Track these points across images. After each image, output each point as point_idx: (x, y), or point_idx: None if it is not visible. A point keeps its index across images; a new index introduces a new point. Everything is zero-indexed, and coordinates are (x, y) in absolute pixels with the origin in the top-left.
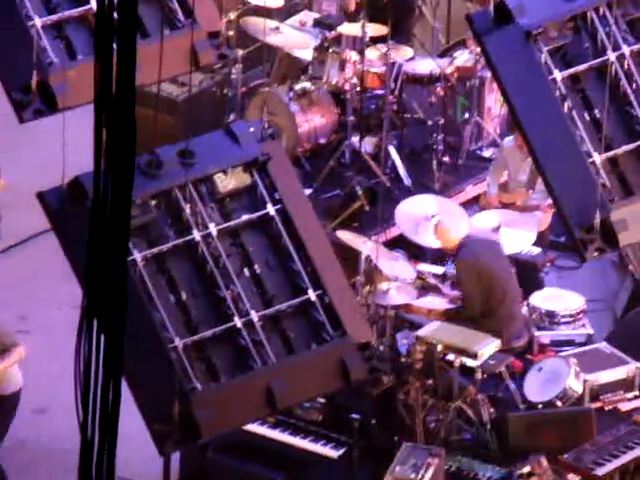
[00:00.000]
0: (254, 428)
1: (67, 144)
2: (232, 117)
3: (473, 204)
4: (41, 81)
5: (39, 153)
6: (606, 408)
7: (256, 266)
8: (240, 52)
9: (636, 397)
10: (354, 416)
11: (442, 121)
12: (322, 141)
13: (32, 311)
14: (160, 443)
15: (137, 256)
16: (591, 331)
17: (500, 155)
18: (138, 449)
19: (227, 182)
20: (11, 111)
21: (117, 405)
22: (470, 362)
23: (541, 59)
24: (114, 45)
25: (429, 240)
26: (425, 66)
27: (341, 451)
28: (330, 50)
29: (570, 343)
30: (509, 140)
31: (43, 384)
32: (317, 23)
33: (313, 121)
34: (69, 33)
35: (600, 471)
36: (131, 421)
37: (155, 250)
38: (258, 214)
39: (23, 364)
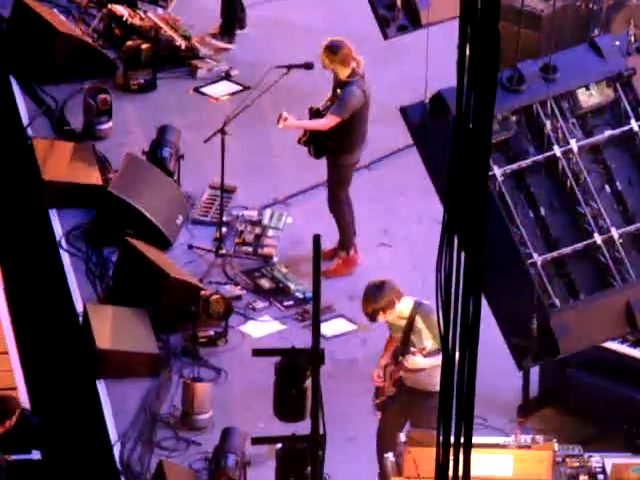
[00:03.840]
0: (614, 346)
1: (430, 60)
2: (597, 31)
3: None
4: None
5: (402, 69)
6: None
7: (617, 183)
8: None
9: None
10: None
11: None
12: None
13: (394, 225)
14: (518, 357)
15: (497, 172)
16: None
17: None
18: (497, 363)
19: (590, 97)
20: (376, 27)
21: (477, 319)
22: None
23: None
24: None
25: None
26: None
27: None
28: None
29: None
30: None
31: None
32: None
33: None
34: None
35: None
36: (490, 334)
37: (515, 166)
38: (621, 130)
39: (385, 276)
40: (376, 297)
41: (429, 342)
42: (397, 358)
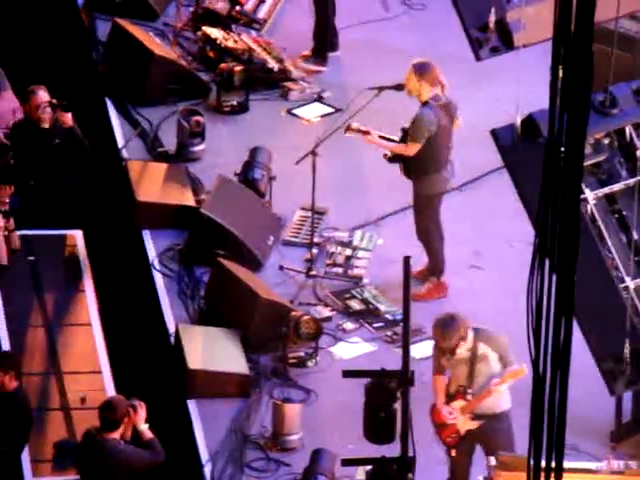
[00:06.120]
0: None
1: (522, 82)
2: None
3: None
4: (499, 19)
5: (494, 90)
6: None
7: None
8: None
9: None
10: None
11: None
12: None
13: (485, 247)
14: (610, 383)
15: (588, 195)
16: None
17: None
18: (590, 387)
19: None
20: (469, 49)
21: (569, 342)
22: None
23: None
24: None
25: None
26: None
27: None
28: None
29: None
30: None
31: (495, 319)
32: None
33: None
34: None
35: None
36: (582, 358)
37: (607, 189)
38: None
39: (475, 298)
40: (455, 326)
41: (497, 365)
42: (464, 393)
